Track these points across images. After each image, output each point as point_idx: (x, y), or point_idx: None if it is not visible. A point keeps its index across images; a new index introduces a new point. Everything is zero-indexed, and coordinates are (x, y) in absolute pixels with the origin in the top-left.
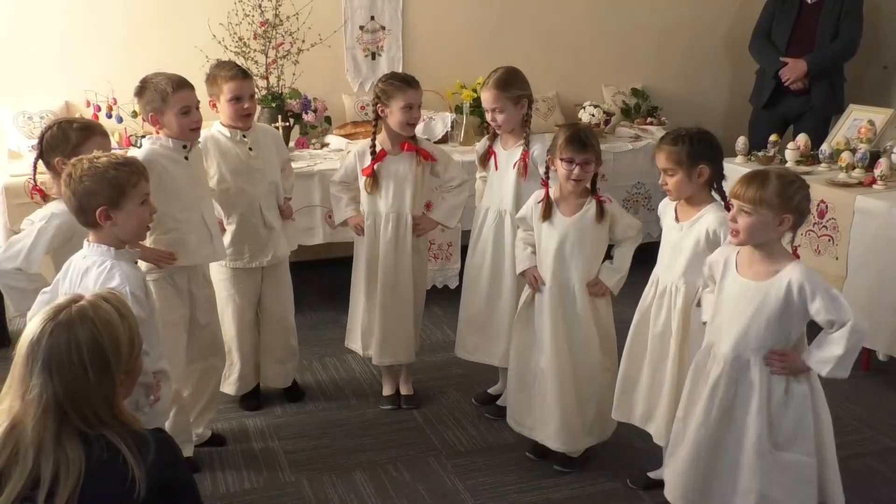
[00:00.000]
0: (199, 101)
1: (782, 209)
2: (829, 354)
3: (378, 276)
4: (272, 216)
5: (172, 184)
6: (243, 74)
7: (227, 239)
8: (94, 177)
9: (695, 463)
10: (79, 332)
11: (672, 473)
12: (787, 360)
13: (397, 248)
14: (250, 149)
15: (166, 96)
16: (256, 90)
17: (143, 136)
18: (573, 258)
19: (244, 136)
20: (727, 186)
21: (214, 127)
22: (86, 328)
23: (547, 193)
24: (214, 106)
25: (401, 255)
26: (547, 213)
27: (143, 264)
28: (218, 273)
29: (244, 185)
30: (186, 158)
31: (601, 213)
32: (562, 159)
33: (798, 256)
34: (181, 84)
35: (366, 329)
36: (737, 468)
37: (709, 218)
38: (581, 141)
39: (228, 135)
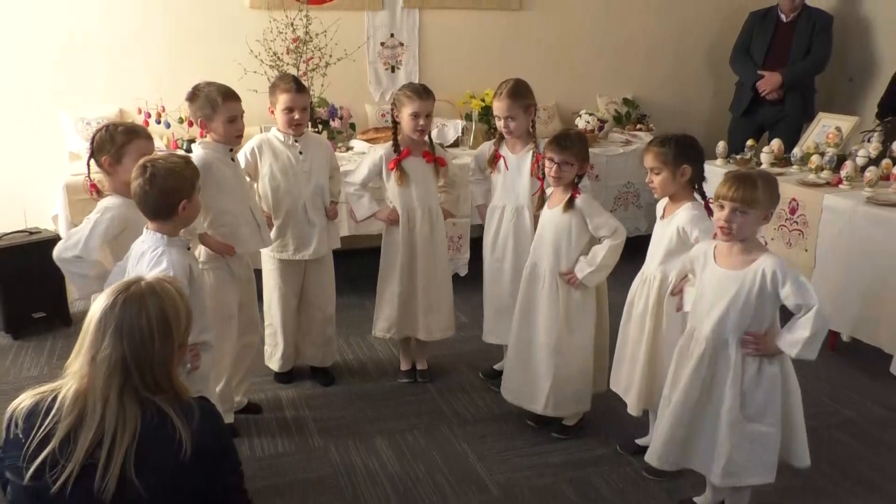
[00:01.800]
0: (243, 112)
1: (768, 206)
2: (798, 337)
3: (418, 264)
4: (316, 215)
5: (225, 182)
6: (298, 88)
7: (273, 232)
8: (177, 176)
9: (674, 431)
10: (149, 302)
11: (655, 441)
12: (760, 342)
13: (433, 238)
14: (300, 153)
15: (216, 105)
16: None
17: (190, 140)
18: (545, 246)
19: (296, 141)
20: (708, 187)
21: (271, 131)
22: (154, 300)
23: (542, 188)
24: (272, 112)
25: (437, 244)
26: (539, 205)
27: (204, 252)
28: (267, 263)
29: (292, 184)
30: (232, 160)
31: (570, 204)
32: (545, 158)
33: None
34: (230, 95)
35: (405, 313)
36: (713, 436)
37: (681, 216)
38: (560, 143)
39: (282, 139)
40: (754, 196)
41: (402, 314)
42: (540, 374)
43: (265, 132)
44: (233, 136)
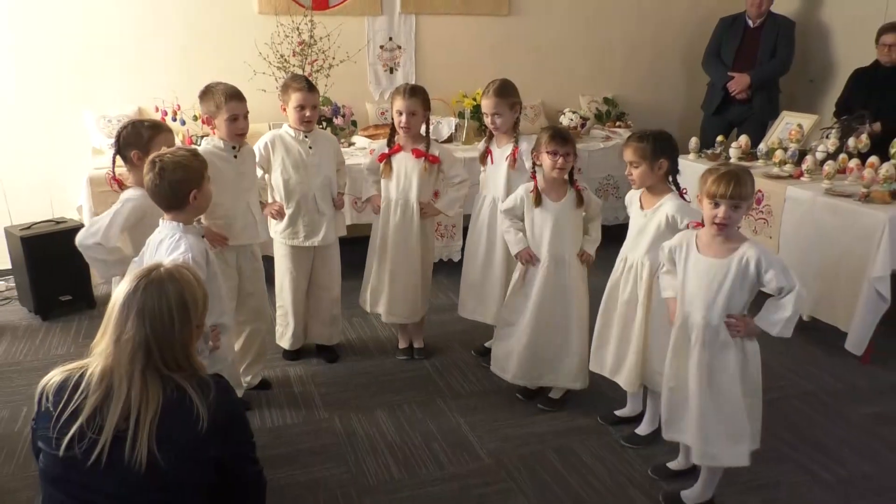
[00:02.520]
0: (247, 112)
1: (753, 198)
2: (780, 317)
3: (388, 249)
4: (325, 205)
5: (221, 178)
6: (309, 88)
7: (285, 220)
8: (185, 168)
9: (703, 418)
10: (169, 287)
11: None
12: (742, 323)
13: (404, 229)
14: (310, 147)
15: (220, 105)
16: None
17: (203, 136)
18: (566, 235)
19: (306, 137)
20: (681, 179)
21: (283, 127)
22: (174, 285)
23: (536, 184)
24: (284, 110)
25: (408, 235)
26: (538, 201)
27: None
28: (279, 250)
29: (302, 177)
30: (235, 157)
31: (581, 199)
32: (547, 152)
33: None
34: (233, 96)
35: (374, 291)
36: (729, 416)
37: (668, 205)
38: (563, 136)
39: (293, 134)
40: (747, 191)
41: (371, 290)
42: (573, 350)
43: (276, 129)
44: (234, 135)
